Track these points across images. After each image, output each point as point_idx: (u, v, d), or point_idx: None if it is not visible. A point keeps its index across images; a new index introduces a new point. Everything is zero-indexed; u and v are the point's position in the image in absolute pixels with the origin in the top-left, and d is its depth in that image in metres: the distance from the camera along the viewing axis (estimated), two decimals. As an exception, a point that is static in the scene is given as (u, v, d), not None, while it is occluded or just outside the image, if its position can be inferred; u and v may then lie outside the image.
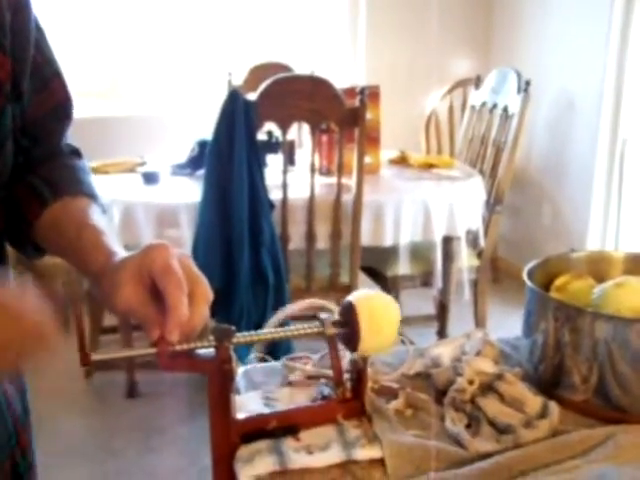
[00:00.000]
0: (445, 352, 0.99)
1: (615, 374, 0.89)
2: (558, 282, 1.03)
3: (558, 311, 0.91)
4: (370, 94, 2.76)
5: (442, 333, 3.09)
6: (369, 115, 2.68)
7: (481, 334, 1.01)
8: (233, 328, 0.80)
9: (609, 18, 3.48)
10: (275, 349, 2.00)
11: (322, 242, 2.64)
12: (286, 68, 3.74)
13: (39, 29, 0.89)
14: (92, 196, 0.92)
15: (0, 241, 0.91)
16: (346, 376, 0.88)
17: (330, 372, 0.90)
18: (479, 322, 3.17)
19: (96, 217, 0.86)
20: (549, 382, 0.95)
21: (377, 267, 2.97)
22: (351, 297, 0.83)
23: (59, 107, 0.95)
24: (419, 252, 2.92)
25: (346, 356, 0.90)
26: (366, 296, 0.82)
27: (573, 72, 3.78)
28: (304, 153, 3.04)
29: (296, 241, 2.62)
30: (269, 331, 0.84)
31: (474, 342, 1.00)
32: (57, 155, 0.97)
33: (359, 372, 0.86)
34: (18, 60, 0.85)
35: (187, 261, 0.75)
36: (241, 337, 0.81)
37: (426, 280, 2.97)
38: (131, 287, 0.71)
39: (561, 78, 3.88)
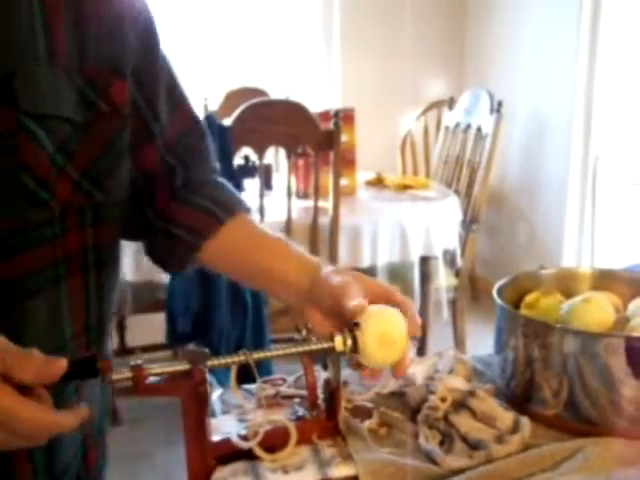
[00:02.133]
0: (418, 371, 1.00)
1: (584, 388, 0.90)
2: (528, 299, 1.05)
3: (527, 327, 0.93)
4: (345, 117, 2.79)
5: (422, 353, 3.10)
6: (344, 138, 2.71)
7: (453, 352, 1.02)
8: (207, 351, 0.81)
9: (577, 40, 3.54)
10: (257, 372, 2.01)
11: (300, 264, 2.65)
12: (261, 93, 3.76)
13: (165, 56, 0.97)
14: (248, 209, 1.01)
15: (116, 256, 0.96)
16: (320, 396, 0.89)
17: (305, 393, 0.91)
18: (458, 341, 3.19)
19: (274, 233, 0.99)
20: (521, 397, 0.96)
21: (355, 288, 2.98)
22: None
23: (193, 129, 1.01)
24: (397, 273, 2.93)
25: (320, 377, 0.91)
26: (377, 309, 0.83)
27: (544, 92, 3.84)
28: (281, 177, 3.06)
29: (274, 264, 2.62)
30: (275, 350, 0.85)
31: (446, 360, 1.01)
32: (212, 175, 1.04)
33: (333, 392, 0.87)
34: (148, 83, 0.93)
35: None
36: (215, 360, 0.82)
37: (405, 300, 2.98)
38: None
39: (533, 98, 3.93)
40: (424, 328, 3.06)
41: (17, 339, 0.80)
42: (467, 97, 3.35)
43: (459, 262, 3.06)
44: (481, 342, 3.39)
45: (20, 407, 0.68)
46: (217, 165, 1.06)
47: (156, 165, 0.97)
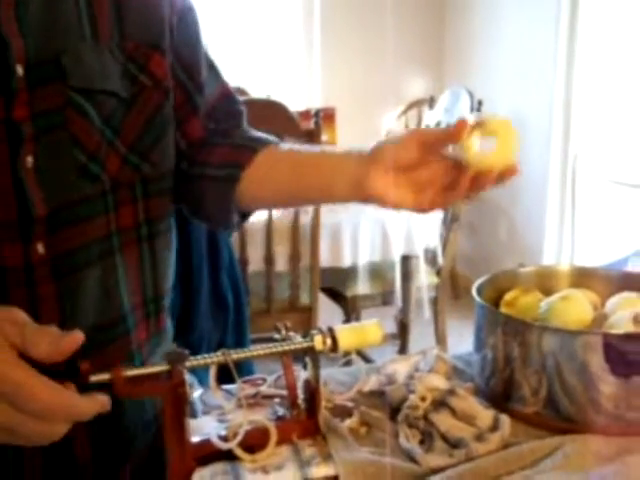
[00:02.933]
0: (400, 369, 1.00)
1: (563, 385, 0.91)
2: (507, 297, 1.05)
3: (506, 325, 0.93)
4: (325, 116, 2.80)
5: (403, 351, 3.11)
6: (325, 137, 2.71)
7: (435, 350, 1.03)
8: (187, 352, 0.81)
9: (555, 39, 3.56)
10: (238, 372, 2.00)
11: (281, 264, 2.65)
12: (242, 92, 3.75)
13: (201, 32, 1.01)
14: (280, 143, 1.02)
15: (169, 229, 0.98)
16: (300, 396, 0.89)
17: (285, 392, 0.91)
18: (440, 339, 3.20)
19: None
20: (500, 395, 0.97)
21: (337, 287, 2.98)
22: None
23: (230, 99, 1.05)
24: (378, 271, 2.94)
25: (301, 376, 0.91)
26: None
27: (523, 91, 3.86)
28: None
29: (255, 264, 2.63)
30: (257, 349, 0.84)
31: (429, 359, 1.01)
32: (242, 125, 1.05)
33: (313, 392, 0.87)
34: (188, 57, 0.96)
35: None
36: (194, 360, 0.82)
37: (386, 299, 2.99)
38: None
39: (512, 97, 3.95)
40: (405, 327, 3.07)
41: (73, 310, 0.85)
42: (447, 96, 3.37)
43: (440, 261, 3.06)
44: (462, 339, 3.40)
45: (33, 382, 0.65)
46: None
47: (201, 135, 1.00)
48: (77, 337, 0.68)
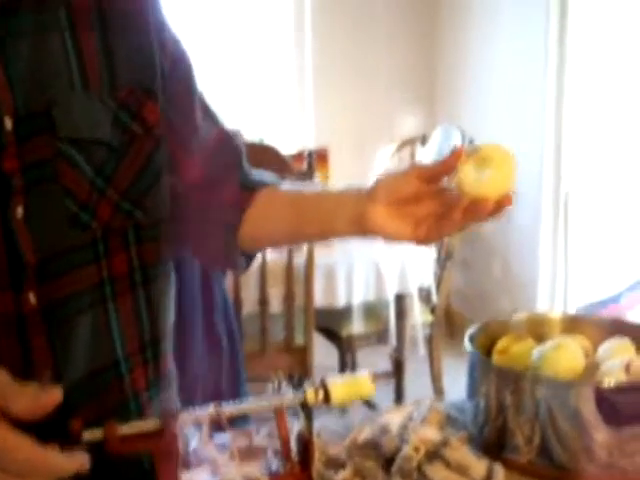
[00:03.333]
0: (393, 419, 1.00)
1: (556, 433, 0.91)
2: (499, 345, 1.05)
3: (498, 375, 0.94)
4: (319, 156, 2.82)
5: (399, 390, 3.10)
6: (319, 177, 2.73)
7: (429, 401, 1.03)
8: (178, 408, 0.81)
9: (544, 78, 3.60)
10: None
11: (275, 305, 2.65)
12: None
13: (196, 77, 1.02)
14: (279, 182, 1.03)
15: (166, 273, 0.98)
16: (294, 448, 0.88)
17: (278, 443, 0.91)
18: (435, 377, 3.19)
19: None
20: (494, 444, 0.97)
21: (332, 327, 2.98)
22: None
23: (226, 142, 1.04)
24: (372, 310, 2.94)
25: (294, 427, 0.91)
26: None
27: (514, 129, 3.89)
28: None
29: (249, 305, 2.63)
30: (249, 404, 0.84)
31: (422, 409, 1.01)
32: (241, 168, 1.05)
33: (306, 444, 0.87)
34: (183, 102, 0.97)
35: None
36: (187, 416, 0.81)
37: (381, 338, 2.99)
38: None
39: (503, 135, 3.98)
40: (400, 365, 3.06)
41: (65, 358, 0.85)
42: (439, 134, 3.39)
43: (434, 299, 3.07)
44: (458, 377, 3.37)
45: (14, 440, 0.65)
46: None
47: (198, 178, 1.00)
48: (56, 393, 0.68)
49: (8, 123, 0.80)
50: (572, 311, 3.82)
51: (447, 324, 3.90)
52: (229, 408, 0.84)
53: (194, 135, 0.99)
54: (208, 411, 0.83)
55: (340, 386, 0.85)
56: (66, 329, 0.86)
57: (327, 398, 0.85)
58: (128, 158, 0.88)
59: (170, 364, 1.04)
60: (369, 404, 3.14)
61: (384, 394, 3.16)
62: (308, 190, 1.02)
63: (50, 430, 0.70)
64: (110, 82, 0.87)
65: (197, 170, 1.00)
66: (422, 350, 3.05)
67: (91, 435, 0.74)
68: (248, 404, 0.85)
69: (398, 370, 3.09)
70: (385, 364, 3.37)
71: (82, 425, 0.73)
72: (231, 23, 4.27)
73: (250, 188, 1.00)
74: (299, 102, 4.36)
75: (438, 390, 3.18)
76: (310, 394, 0.84)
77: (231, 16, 4.26)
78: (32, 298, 0.83)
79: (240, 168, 1.04)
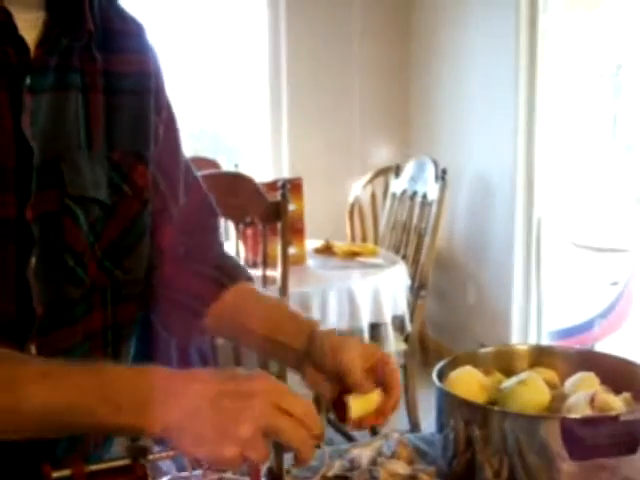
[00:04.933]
0: (363, 454, 1.01)
1: (524, 466, 0.92)
2: (468, 378, 1.07)
3: (466, 410, 0.95)
4: (293, 186, 2.83)
5: (374, 419, 3.09)
6: (293, 206, 2.74)
7: (397, 434, 1.03)
8: (149, 445, 0.81)
9: (515, 109, 3.66)
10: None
11: (250, 335, 2.65)
12: (213, 164, 3.79)
13: (181, 140, 1.06)
14: (250, 279, 1.08)
15: (132, 333, 1.00)
16: (265, 485, 0.89)
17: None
18: (410, 405, 3.20)
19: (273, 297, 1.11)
20: (463, 478, 0.98)
21: (306, 356, 2.97)
22: None
23: (204, 205, 1.09)
24: (347, 340, 2.94)
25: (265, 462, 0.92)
26: None
27: (487, 158, 3.95)
28: (231, 246, 3.06)
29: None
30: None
31: (390, 443, 1.02)
32: (216, 247, 1.11)
33: (275, 479, 0.88)
34: (169, 166, 1.01)
35: None
36: (157, 454, 0.82)
37: (355, 367, 2.99)
38: (358, 356, 0.92)
39: (476, 164, 4.03)
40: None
41: None
42: (412, 165, 3.43)
43: (408, 327, 3.08)
44: (434, 406, 3.39)
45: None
46: (222, 240, 1.13)
47: (171, 244, 1.03)
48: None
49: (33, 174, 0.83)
50: (545, 338, 3.86)
51: (422, 352, 3.91)
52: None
53: (174, 202, 1.02)
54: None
55: (359, 401, 0.91)
56: None
57: (344, 415, 0.91)
58: (115, 218, 0.91)
59: None
60: (346, 435, 3.14)
61: (359, 423, 3.15)
62: (264, 312, 1.04)
63: (22, 473, 0.71)
64: (107, 144, 0.90)
65: (171, 237, 1.02)
66: (397, 379, 3.05)
67: (60, 473, 0.75)
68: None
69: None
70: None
71: (51, 467, 0.73)
72: (208, 51, 4.30)
73: (219, 283, 1.03)
74: (274, 131, 4.39)
75: (414, 421, 3.18)
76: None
77: (208, 44, 4.30)
78: (33, 350, 0.84)
79: (213, 249, 1.08)
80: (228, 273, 1.05)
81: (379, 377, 0.94)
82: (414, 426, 3.15)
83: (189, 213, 1.05)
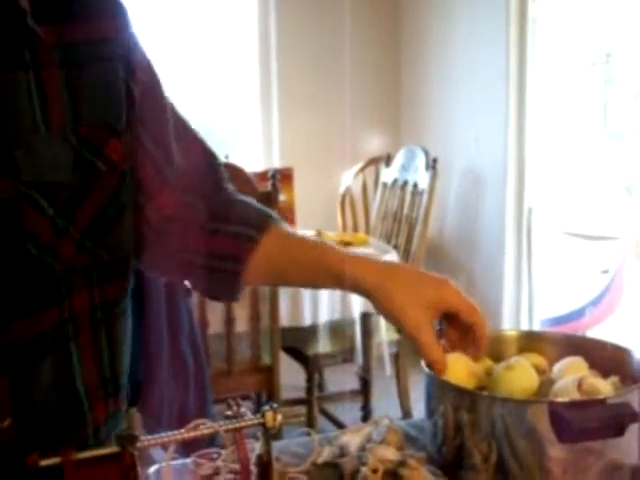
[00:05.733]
0: (352, 440, 1.01)
1: (513, 452, 0.92)
2: (457, 365, 1.07)
3: (455, 396, 0.95)
4: (283, 176, 2.84)
5: (366, 408, 3.11)
6: (283, 197, 2.74)
7: (387, 420, 1.04)
8: (136, 434, 0.81)
9: (506, 97, 3.67)
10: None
11: (241, 325, 2.66)
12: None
13: (171, 102, 1.02)
14: (276, 219, 1.04)
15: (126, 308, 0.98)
16: (254, 471, 0.89)
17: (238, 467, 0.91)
18: (402, 396, 3.21)
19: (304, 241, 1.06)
20: (452, 463, 0.98)
21: (298, 346, 2.98)
22: None
23: (207, 161, 1.05)
24: (338, 329, 2.95)
25: (255, 449, 0.92)
26: None
27: (478, 148, 3.95)
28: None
29: (215, 325, 2.63)
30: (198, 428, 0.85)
31: (380, 429, 1.02)
32: (232, 196, 1.06)
33: (264, 466, 0.88)
34: (156, 129, 0.97)
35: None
36: (146, 441, 0.82)
37: (347, 356, 3.00)
38: (424, 313, 0.95)
39: (467, 154, 4.04)
40: (367, 384, 3.08)
41: (26, 397, 0.84)
42: (403, 154, 3.43)
43: (400, 317, 3.08)
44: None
45: None
46: (233, 187, 1.08)
47: (175, 208, 0.99)
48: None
49: None
50: (537, 326, 3.87)
51: (414, 341, 3.92)
52: (188, 433, 0.85)
53: (168, 163, 0.98)
54: (167, 436, 0.84)
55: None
56: (27, 374, 0.85)
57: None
58: (91, 196, 0.87)
59: (125, 402, 1.03)
60: (337, 423, 3.15)
61: (352, 413, 3.17)
62: (308, 252, 1.04)
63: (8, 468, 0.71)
64: (73, 119, 0.85)
65: (172, 200, 0.99)
66: (389, 369, 3.07)
67: (49, 461, 0.75)
68: (207, 429, 0.85)
69: (365, 389, 3.10)
70: (352, 383, 3.38)
71: (37, 457, 0.73)
72: (197, 44, 4.29)
73: (249, 238, 1.00)
74: (264, 121, 4.38)
75: (405, 409, 3.19)
76: (269, 417, 0.85)
77: (197, 36, 4.28)
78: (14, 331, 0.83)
79: (228, 193, 1.05)
80: (254, 224, 1.01)
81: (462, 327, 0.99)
82: (406, 414, 3.16)
83: (193, 174, 1.01)
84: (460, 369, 1.01)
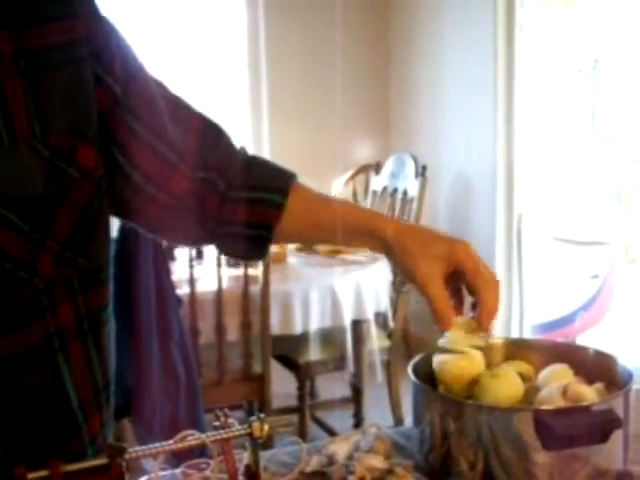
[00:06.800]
0: (340, 449, 1.02)
1: (499, 458, 0.93)
2: (444, 373, 1.07)
3: (441, 404, 0.96)
4: (273, 185, 2.83)
5: (358, 416, 3.11)
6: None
7: (375, 429, 1.04)
8: (124, 445, 0.81)
9: (494, 105, 3.68)
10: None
11: (232, 334, 2.66)
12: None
13: (157, 82, 1.00)
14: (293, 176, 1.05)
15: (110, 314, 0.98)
16: (242, 481, 0.89)
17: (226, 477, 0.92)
18: (394, 403, 3.22)
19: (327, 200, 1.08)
20: (439, 471, 0.98)
21: (289, 355, 2.99)
22: None
23: (205, 134, 1.02)
24: (329, 337, 2.96)
25: (243, 459, 0.92)
26: None
27: (467, 155, 3.97)
28: (212, 247, 3.06)
29: (206, 334, 2.63)
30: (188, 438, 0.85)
31: (368, 438, 1.03)
32: (244, 157, 1.06)
33: (252, 476, 0.88)
34: (150, 118, 0.94)
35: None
36: (134, 452, 0.82)
37: (339, 364, 3.00)
38: (435, 265, 0.97)
39: (456, 161, 4.05)
40: (359, 391, 3.08)
41: (16, 414, 0.83)
42: (392, 162, 3.44)
43: (391, 324, 3.09)
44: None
45: None
46: (242, 149, 1.08)
47: (190, 187, 0.98)
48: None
49: None
50: (528, 332, 3.88)
51: (406, 348, 3.93)
52: (176, 444, 0.85)
53: (169, 149, 0.96)
54: (155, 447, 0.84)
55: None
56: (14, 390, 0.84)
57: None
58: (67, 205, 0.85)
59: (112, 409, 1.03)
60: (329, 431, 3.15)
61: (344, 420, 3.17)
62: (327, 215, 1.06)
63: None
64: (42, 129, 0.82)
65: (184, 181, 0.97)
66: (380, 376, 3.07)
67: (37, 474, 0.75)
68: (195, 440, 0.86)
69: (357, 396, 3.11)
70: (344, 390, 3.39)
71: (24, 471, 0.73)
72: (187, 55, 4.29)
73: (273, 203, 1.00)
74: (254, 130, 4.39)
75: (397, 416, 3.20)
76: (256, 427, 0.86)
77: (187, 48, 4.29)
78: None
79: (238, 160, 1.03)
80: (276, 187, 1.01)
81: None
82: (398, 421, 3.17)
83: (198, 149, 0.99)
84: (459, 336, 1.02)
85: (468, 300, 1.05)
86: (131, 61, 0.94)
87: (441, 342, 1.03)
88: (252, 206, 1.00)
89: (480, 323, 1.01)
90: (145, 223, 1.04)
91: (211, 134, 1.02)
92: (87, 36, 0.87)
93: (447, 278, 1.00)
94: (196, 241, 1.08)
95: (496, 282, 1.01)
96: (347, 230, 1.01)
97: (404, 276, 1.02)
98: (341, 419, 3.22)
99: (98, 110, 0.89)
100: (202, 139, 1.00)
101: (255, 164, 1.05)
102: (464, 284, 1.02)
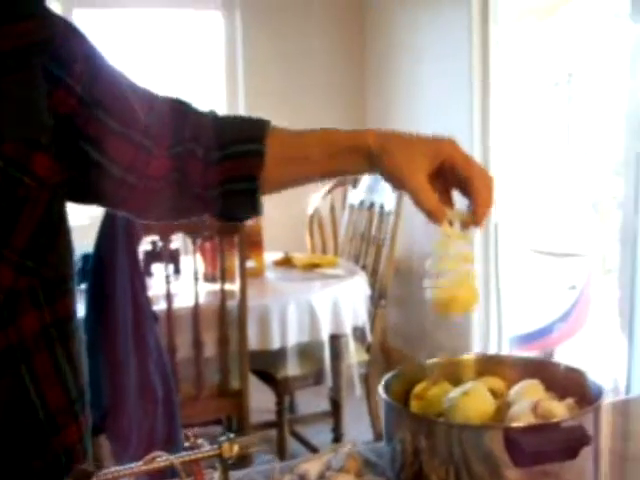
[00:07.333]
0: (312, 468, 1.01)
1: (470, 476, 0.93)
2: (416, 390, 1.08)
3: (412, 422, 0.96)
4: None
5: (337, 430, 3.10)
6: (250, 221, 2.74)
7: (347, 448, 1.04)
8: (93, 470, 0.81)
9: (470, 117, 3.71)
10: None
11: (210, 349, 2.65)
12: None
13: (123, 75, 0.98)
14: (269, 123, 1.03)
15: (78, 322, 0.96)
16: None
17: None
18: (373, 415, 3.21)
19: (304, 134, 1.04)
20: (411, 489, 0.98)
21: (267, 370, 2.98)
22: None
23: (173, 104, 1.02)
24: (308, 352, 2.95)
25: (214, 478, 0.92)
26: None
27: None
28: (190, 260, 3.06)
29: (184, 350, 2.62)
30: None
31: (340, 456, 1.03)
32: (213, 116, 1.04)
33: (223, 498, 0.88)
34: (120, 109, 0.93)
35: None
36: (102, 475, 0.82)
37: (317, 379, 3.00)
38: (420, 165, 0.96)
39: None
40: (338, 405, 3.07)
41: None
42: (369, 176, 3.44)
43: (369, 337, 3.09)
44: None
45: None
46: (211, 112, 1.06)
47: (170, 165, 0.97)
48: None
49: None
50: (506, 344, 3.90)
51: (385, 362, 3.93)
52: (147, 465, 0.85)
53: (144, 136, 0.95)
54: (124, 469, 0.83)
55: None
56: None
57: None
58: (24, 215, 0.84)
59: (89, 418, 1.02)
60: (309, 445, 3.14)
61: (323, 435, 3.17)
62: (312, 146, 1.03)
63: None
64: None
65: (163, 162, 0.97)
66: (359, 390, 3.07)
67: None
68: (164, 461, 0.85)
69: (336, 411, 3.10)
70: (324, 405, 3.38)
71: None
72: (163, 65, 4.30)
73: (254, 153, 0.98)
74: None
75: (377, 429, 3.19)
76: (225, 447, 0.85)
77: (163, 58, 4.29)
78: None
79: (209, 125, 1.02)
80: (252, 137, 1.00)
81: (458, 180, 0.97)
82: (377, 435, 3.16)
83: (169, 125, 0.98)
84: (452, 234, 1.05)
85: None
86: (94, 58, 0.93)
87: (427, 263, 1.05)
88: (232, 161, 0.99)
89: (475, 213, 0.98)
90: (135, 209, 1.04)
91: (179, 109, 1.02)
92: (41, 39, 0.85)
93: (434, 180, 0.98)
94: (189, 213, 1.05)
95: (489, 174, 0.97)
96: (331, 152, 1.00)
97: (393, 185, 1.00)
98: (320, 433, 3.22)
99: (62, 112, 0.88)
100: (172, 117, 1.00)
101: (226, 122, 1.04)
102: (454, 186, 1.00)
